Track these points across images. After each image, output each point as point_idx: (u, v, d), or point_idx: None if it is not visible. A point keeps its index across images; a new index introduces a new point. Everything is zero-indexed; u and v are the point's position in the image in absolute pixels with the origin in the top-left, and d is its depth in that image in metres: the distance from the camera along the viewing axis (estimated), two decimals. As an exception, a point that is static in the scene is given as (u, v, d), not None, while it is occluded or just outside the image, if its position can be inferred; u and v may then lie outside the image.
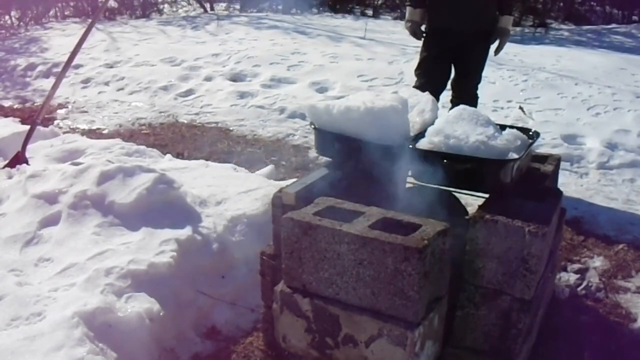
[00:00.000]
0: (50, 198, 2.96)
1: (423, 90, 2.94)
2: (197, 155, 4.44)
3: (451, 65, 3.90)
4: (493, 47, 3.87)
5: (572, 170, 4.25)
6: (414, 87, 3.83)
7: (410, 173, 2.42)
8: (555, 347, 2.48)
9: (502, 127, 2.36)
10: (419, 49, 3.97)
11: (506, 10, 3.76)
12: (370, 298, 1.90)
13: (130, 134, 5.12)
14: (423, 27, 3.90)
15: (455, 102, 3.82)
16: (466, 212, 2.52)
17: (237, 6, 14.35)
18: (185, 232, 2.76)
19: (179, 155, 4.35)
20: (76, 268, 2.52)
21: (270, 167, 4.11)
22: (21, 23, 11.33)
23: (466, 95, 3.81)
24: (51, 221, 2.86)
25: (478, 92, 3.97)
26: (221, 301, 2.64)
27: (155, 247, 2.64)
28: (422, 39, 3.90)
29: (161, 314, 2.35)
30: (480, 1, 3.68)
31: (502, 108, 5.43)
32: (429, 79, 3.79)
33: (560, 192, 2.42)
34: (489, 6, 3.72)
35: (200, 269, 2.67)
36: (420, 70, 3.91)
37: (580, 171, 4.23)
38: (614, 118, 5.12)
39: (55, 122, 5.55)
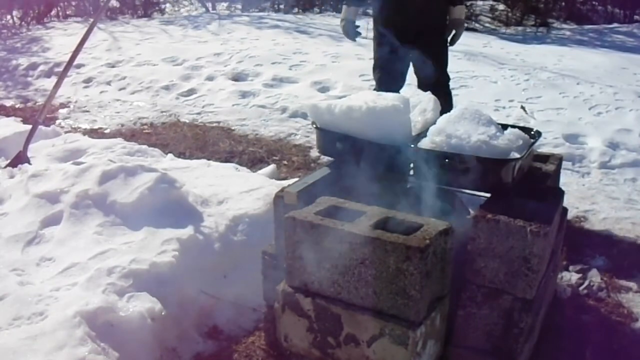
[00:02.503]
0: (52, 197, 2.96)
1: (381, 90, 2.94)
2: (198, 154, 4.45)
3: (406, 63, 3.78)
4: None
5: (574, 169, 4.24)
6: (374, 89, 3.77)
7: (411, 172, 2.42)
8: (557, 347, 2.48)
9: (504, 127, 2.35)
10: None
11: (456, 1, 3.66)
12: (372, 297, 1.90)
13: (132, 134, 5.13)
14: (364, 28, 3.95)
15: None
16: (468, 212, 2.52)
17: (239, 5, 14.36)
18: (187, 232, 2.76)
19: (180, 155, 4.35)
20: (78, 267, 2.53)
21: (272, 167, 4.11)
22: (23, 22, 11.34)
23: (438, 95, 3.70)
24: (53, 221, 2.86)
25: (450, 89, 3.85)
26: (223, 301, 2.64)
27: (157, 246, 2.64)
28: (356, 39, 3.91)
29: (163, 313, 2.35)
30: None
31: (503, 107, 5.43)
32: (384, 79, 3.72)
33: (562, 192, 2.42)
34: (436, 0, 3.63)
35: (202, 268, 2.67)
36: (375, 71, 3.87)
37: (582, 170, 4.22)
38: (615, 117, 5.12)
39: (57, 121, 5.56)
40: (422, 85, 3.73)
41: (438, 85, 3.65)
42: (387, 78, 3.74)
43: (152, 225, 2.78)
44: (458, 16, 3.68)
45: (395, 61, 3.72)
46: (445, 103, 3.36)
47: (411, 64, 3.81)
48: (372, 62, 4.06)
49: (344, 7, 3.83)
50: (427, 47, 3.63)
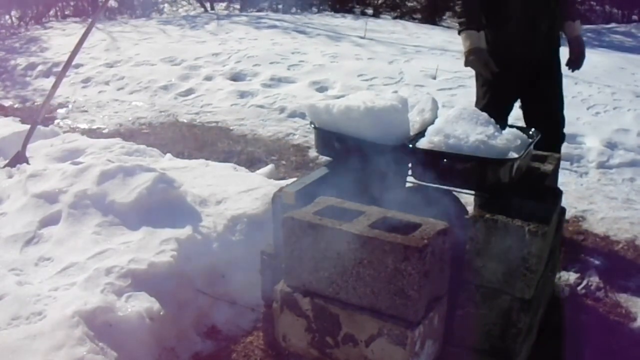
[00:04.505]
0: (51, 197, 2.96)
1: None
2: (197, 154, 4.44)
3: (513, 103, 3.17)
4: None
5: (572, 169, 4.25)
6: None
7: (410, 172, 2.42)
8: (556, 346, 2.48)
9: (502, 127, 2.35)
10: (474, 77, 3.12)
11: (575, 14, 3.07)
12: (370, 297, 1.90)
13: (130, 134, 5.12)
14: None
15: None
16: (466, 212, 2.52)
17: (237, 5, 14.37)
18: (185, 232, 2.76)
19: (179, 155, 4.35)
20: (76, 267, 2.53)
21: (270, 167, 4.11)
22: (21, 22, 11.34)
23: (551, 128, 2.94)
24: (51, 220, 2.86)
25: (563, 132, 3.14)
26: (221, 300, 2.64)
27: (155, 246, 2.64)
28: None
29: (161, 313, 2.35)
30: (553, 15, 2.92)
31: (502, 107, 5.42)
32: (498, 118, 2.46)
33: (560, 192, 2.42)
34: (558, 19, 2.99)
35: (201, 268, 2.67)
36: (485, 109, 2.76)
37: (580, 170, 4.22)
38: (613, 117, 5.12)
39: (56, 121, 5.56)
40: (538, 121, 2.93)
41: (551, 125, 3.02)
42: (502, 114, 2.91)
43: (150, 225, 2.78)
44: (579, 32, 3.08)
45: (510, 96, 3.11)
46: (558, 140, 3.05)
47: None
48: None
49: (470, 32, 2.84)
50: (548, 76, 3.03)
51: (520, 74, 2.98)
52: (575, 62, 3.12)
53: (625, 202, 3.76)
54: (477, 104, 3.08)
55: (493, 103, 2.99)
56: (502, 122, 2.55)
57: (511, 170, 2.11)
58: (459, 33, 2.91)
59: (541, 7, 2.87)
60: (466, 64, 2.90)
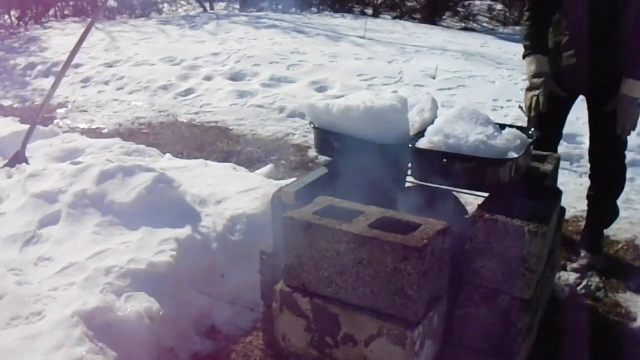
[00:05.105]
0: (50, 197, 2.96)
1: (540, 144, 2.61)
2: (196, 154, 4.44)
3: (565, 115, 3.13)
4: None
5: (572, 169, 4.24)
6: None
7: (409, 172, 2.42)
8: (555, 346, 2.48)
9: (502, 126, 2.35)
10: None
11: (634, 71, 2.68)
12: (369, 297, 1.90)
13: (129, 133, 5.12)
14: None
15: (592, 184, 3.11)
16: (466, 211, 2.52)
17: (237, 5, 14.36)
18: (184, 232, 2.76)
19: (178, 155, 4.35)
20: (76, 267, 2.52)
21: (269, 166, 4.11)
22: (21, 22, 11.32)
23: (603, 169, 3.04)
24: (51, 220, 2.86)
25: (623, 164, 3.00)
26: (221, 300, 2.64)
27: (154, 246, 2.64)
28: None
29: (161, 313, 2.35)
30: (607, 52, 2.74)
31: (501, 107, 5.42)
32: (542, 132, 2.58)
33: (560, 191, 2.42)
34: (617, 56, 2.73)
35: (200, 268, 2.67)
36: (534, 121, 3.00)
37: (579, 170, 4.22)
38: (613, 117, 5.11)
39: (55, 121, 5.55)
40: (592, 151, 3.06)
41: (604, 155, 2.99)
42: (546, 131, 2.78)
43: (149, 224, 2.78)
44: (627, 92, 2.70)
45: (556, 115, 3.04)
46: (611, 179, 3.01)
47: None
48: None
49: (536, 57, 2.87)
50: (592, 108, 2.95)
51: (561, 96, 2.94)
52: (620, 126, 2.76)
53: (625, 201, 3.75)
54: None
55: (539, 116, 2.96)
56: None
57: (511, 170, 2.11)
58: (524, 57, 2.94)
59: (592, 43, 2.75)
60: (530, 87, 2.94)
